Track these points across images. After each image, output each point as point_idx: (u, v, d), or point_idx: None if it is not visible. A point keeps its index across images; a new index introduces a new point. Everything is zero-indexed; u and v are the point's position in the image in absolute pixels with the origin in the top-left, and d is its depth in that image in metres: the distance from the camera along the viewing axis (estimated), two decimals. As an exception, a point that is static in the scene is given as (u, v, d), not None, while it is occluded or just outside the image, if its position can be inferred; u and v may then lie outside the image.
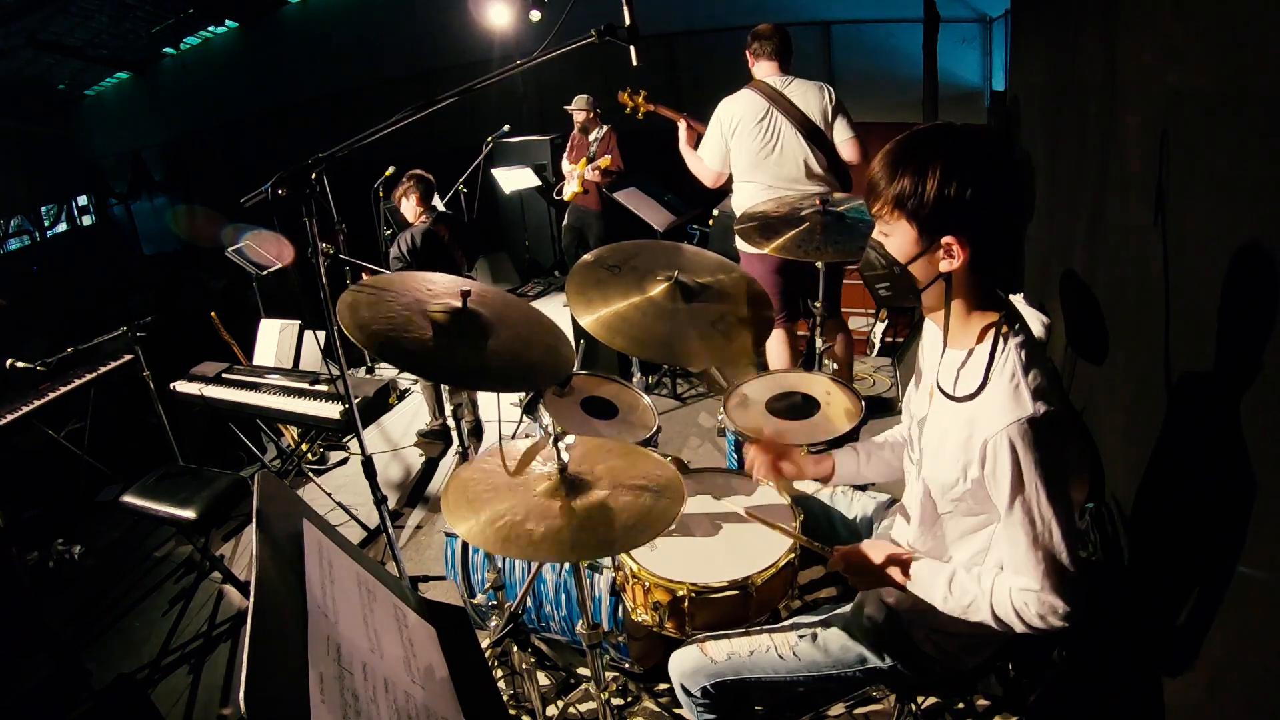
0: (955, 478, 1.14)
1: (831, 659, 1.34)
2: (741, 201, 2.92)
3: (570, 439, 1.35)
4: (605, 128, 5.14)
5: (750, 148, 2.84)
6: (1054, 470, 1.04)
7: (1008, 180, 1.07)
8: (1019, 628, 1.11)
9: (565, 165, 5.40)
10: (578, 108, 5.15)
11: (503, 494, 1.31)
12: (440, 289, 1.62)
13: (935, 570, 1.21)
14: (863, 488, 1.81)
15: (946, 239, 1.06)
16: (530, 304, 1.80)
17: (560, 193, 5.44)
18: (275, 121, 9.77)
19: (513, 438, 1.74)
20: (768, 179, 2.87)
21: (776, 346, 3.08)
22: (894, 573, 1.25)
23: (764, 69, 2.86)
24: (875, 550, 1.28)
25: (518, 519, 1.23)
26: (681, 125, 3.04)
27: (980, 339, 1.13)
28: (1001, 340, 1.09)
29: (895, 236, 1.11)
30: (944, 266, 1.09)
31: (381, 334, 1.41)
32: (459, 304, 1.54)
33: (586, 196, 5.21)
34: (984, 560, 1.22)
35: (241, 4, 9.49)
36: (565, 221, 5.49)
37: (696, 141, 3.05)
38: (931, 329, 1.31)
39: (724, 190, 5.95)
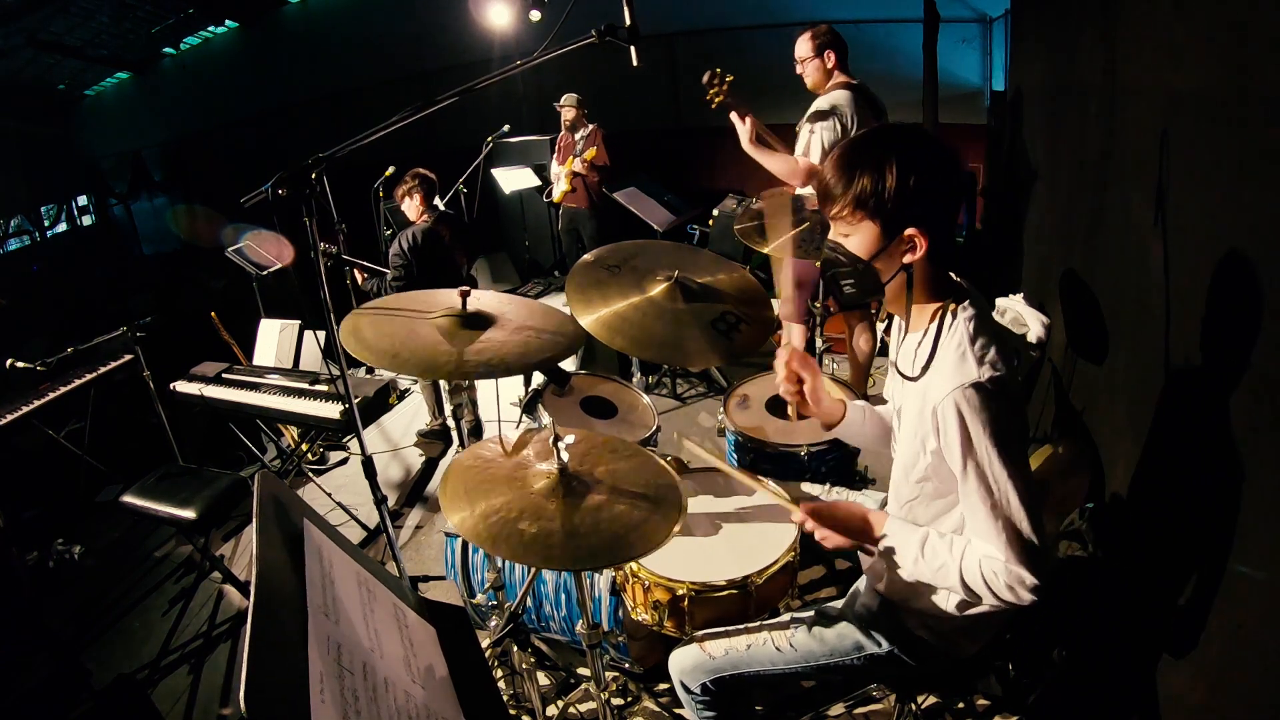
0: (915, 453, 1.18)
1: (828, 648, 1.34)
2: None
3: (570, 438, 1.35)
4: (591, 126, 5.19)
5: None
6: (1006, 435, 1.06)
7: (953, 170, 1.11)
8: (987, 599, 1.11)
9: (554, 168, 5.44)
10: (566, 105, 5.18)
11: (500, 486, 1.31)
12: (437, 299, 1.63)
13: (909, 532, 1.20)
14: (861, 488, 1.82)
15: (909, 231, 1.10)
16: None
17: (549, 195, 5.47)
18: (275, 121, 9.76)
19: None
20: None
21: (800, 342, 3.10)
22: (867, 531, 1.23)
23: (841, 73, 2.84)
24: (848, 507, 1.27)
25: (511, 516, 1.22)
26: (748, 124, 2.83)
27: (931, 320, 1.17)
28: (949, 316, 1.14)
29: (857, 235, 1.15)
30: (907, 259, 1.13)
31: (389, 349, 1.43)
32: (459, 307, 1.55)
33: (575, 196, 5.25)
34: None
35: (241, 4, 9.48)
36: (560, 226, 5.53)
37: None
38: (897, 320, 1.34)
39: (724, 191, 5.94)
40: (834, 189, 1.12)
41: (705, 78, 2.77)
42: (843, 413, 1.46)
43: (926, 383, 1.14)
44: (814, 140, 2.77)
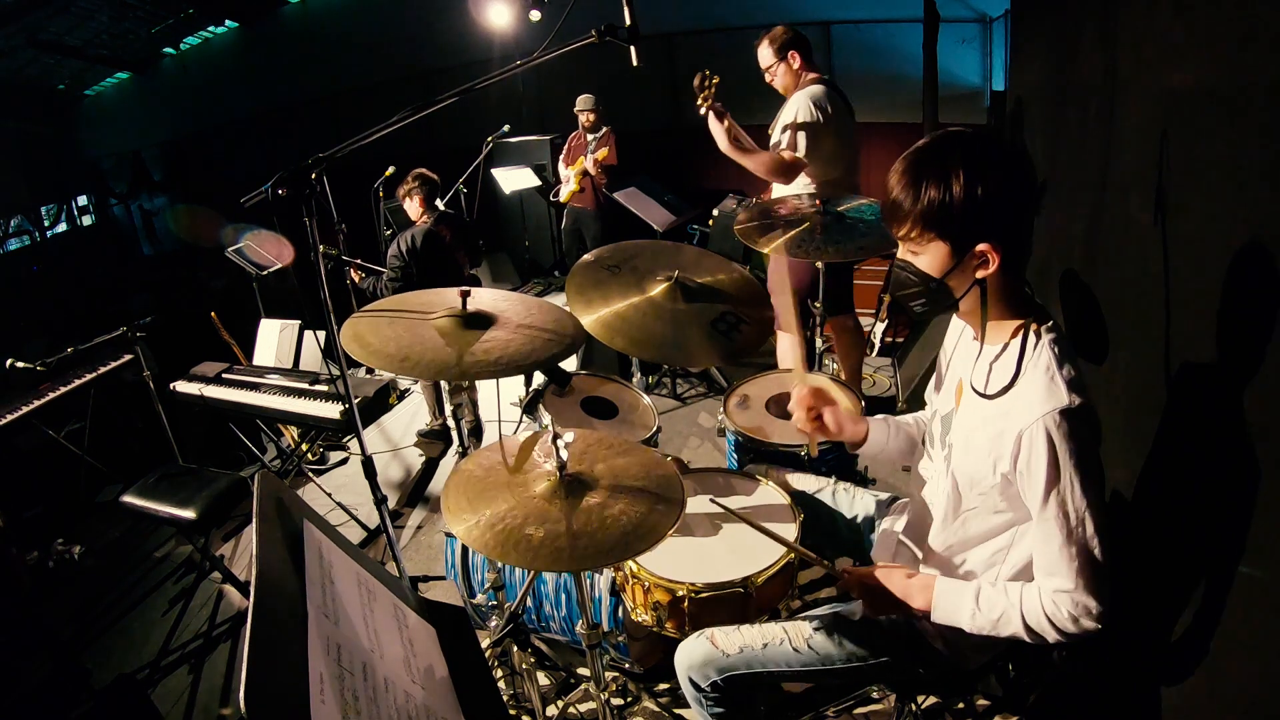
0: (983, 473, 1.14)
1: (845, 652, 1.33)
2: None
3: (569, 436, 1.35)
4: (605, 129, 5.18)
5: (841, 141, 2.78)
6: (1089, 463, 1.04)
7: (1024, 175, 1.07)
8: (1052, 636, 1.11)
9: (561, 169, 5.42)
10: (584, 108, 5.17)
11: (502, 492, 1.31)
12: (437, 299, 1.64)
13: (960, 590, 1.19)
14: (863, 485, 1.82)
15: (981, 246, 1.05)
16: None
17: (557, 195, 5.46)
18: (275, 121, 9.77)
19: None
20: (840, 175, 2.82)
21: (790, 351, 3.06)
22: (915, 598, 1.23)
23: (809, 71, 2.83)
24: (893, 576, 1.26)
25: (517, 522, 1.23)
26: (727, 124, 2.78)
27: (1013, 336, 1.14)
28: (1034, 336, 1.10)
29: (927, 254, 1.10)
30: (980, 274, 1.09)
31: (395, 354, 1.43)
32: (459, 307, 1.56)
33: (583, 196, 5.24)
34: (1004, 559, 1.22)
35: (241, 4, 9.49)
36: (563, 225, 5.52)
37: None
38: (955, 328, 1.32)
39: (724, 191, 5.94)
40: (901, 205, 1.08)
41: (697, 80, 2.72)
42: (865, 433, 1.46)
43: (1008, 404, 1.09)
44: (799, 134, 2.72)
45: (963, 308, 1.15)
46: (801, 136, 2.72)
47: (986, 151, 1.03)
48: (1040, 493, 1.06)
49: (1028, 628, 1.12)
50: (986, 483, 1.14)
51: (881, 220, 1.18)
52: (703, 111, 2.75)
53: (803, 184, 2.85)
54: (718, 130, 2.78)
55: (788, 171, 2.77)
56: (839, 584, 1.31)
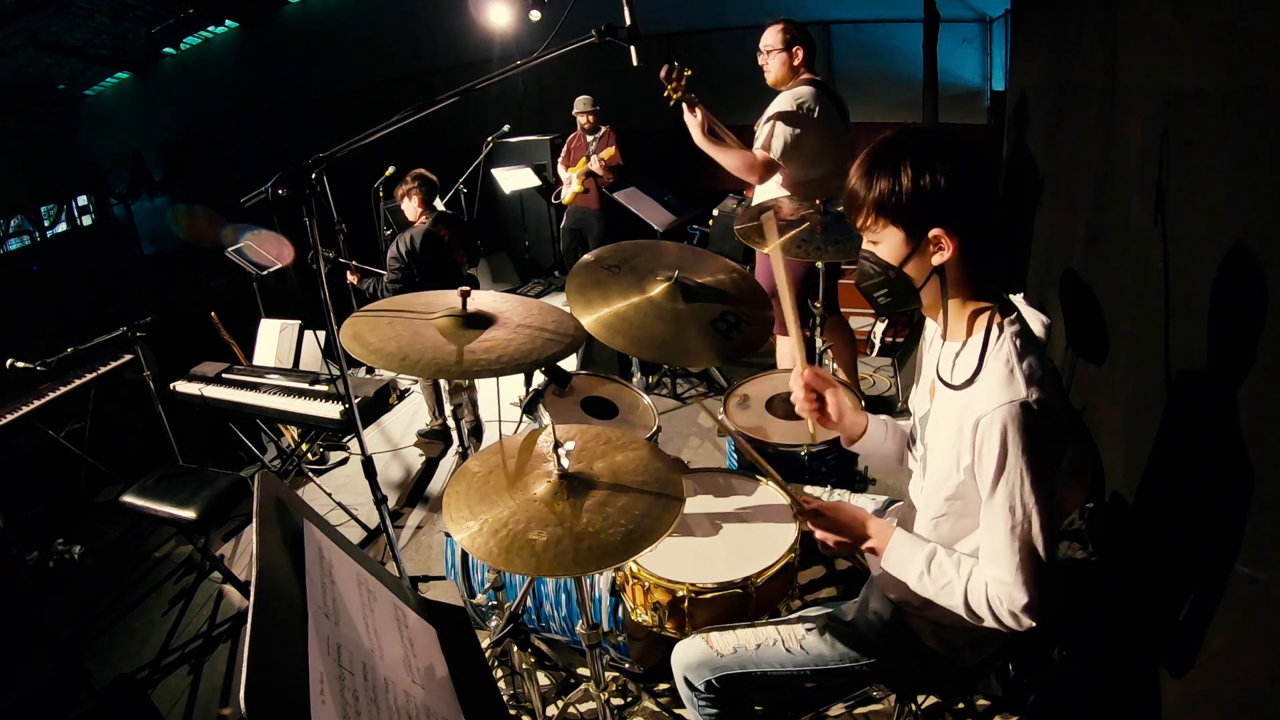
0: (949, 470, 1.14)
1: (838, 653, 1.34)
2: (778, 196, 2.72)
3: (570, 445, 1.35)
4: (604, 128, 5.17)
5: (827, 143, 2.70)
6: (1041, 460, 1.04)
7: (976, 167, 1.08)
8: (988, 621, 1.11)
9: (561, 172, 5.40)
10: (582, 109, 5.16)
11: (503, 496, 1.31)
12: (437, 300, 1.64)
13: (915, 547, 1.19)
14: (863, 487, 1.82)
15: (934, 231, 1.08)
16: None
17: (559, 197, 5.44)
18: (275, 121, 9.77)
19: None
20: (822, 177, 2.73)
21: (789, 354, 3.05)
22: (871, 540, 1.23)
23: (806, 71, 2.75)
24: (855, 514, 1.26)
25: (520, 527, 1.22)
26: (700, 115, 2.66)
27: (974, 329, 1.14)
28: (995, 329, 1.11)
29: (884, 242, 1.13)
30: (936, 260, 1.10)
31: (395, 352, 1.43)
32: (459, 307, 1.56)
33: (587, 196, 5.21)
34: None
35: (241, 4, 9.50)
36: (564, 224, 5.49)
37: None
38: (931, 328, 1.32)
39: (724, 191, 5.92)
40: (857, 194, 1.12)
41: (664, 72, 2.59)
42: (865, 426, 1.42)
43: (969, 397, 1.10)
44: (776, 134, 2.64)
45: (926, 300, 1.16)
46: (777, 137, 2.63)
47: (937, 143, 1.07)
48: (989, 481, 1.06)
49: (968, 605, 1.12)
50: (952, 482, 1.14)
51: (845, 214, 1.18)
52: (671, 102, 2.64)
53: (775, 185, 2.78)
54: (692, 121, 2.68)
55: (760, 171, 2.69)
56: (795, 513, 1.29)
